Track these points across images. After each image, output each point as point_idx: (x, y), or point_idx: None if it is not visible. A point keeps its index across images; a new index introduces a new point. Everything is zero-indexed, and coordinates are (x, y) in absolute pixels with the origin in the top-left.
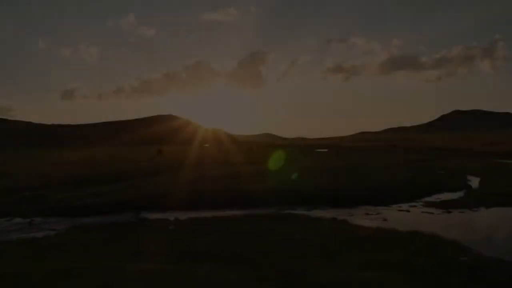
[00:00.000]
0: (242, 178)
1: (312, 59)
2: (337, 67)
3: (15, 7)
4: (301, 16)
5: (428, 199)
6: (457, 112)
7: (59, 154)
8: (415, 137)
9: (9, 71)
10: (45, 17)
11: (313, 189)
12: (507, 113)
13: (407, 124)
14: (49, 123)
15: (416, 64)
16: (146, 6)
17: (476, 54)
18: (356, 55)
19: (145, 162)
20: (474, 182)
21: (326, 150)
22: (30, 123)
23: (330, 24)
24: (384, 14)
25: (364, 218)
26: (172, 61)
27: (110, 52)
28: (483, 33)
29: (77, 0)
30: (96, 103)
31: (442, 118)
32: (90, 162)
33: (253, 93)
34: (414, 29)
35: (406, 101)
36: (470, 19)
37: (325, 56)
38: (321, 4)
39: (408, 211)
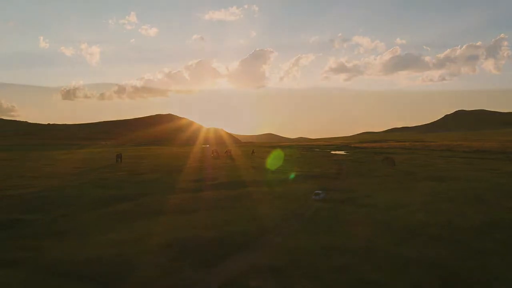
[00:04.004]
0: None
1: (315, 59)
2: (340, 67)
3: (16, 7)
4: (304, 16)
5: None
6: (461, 112)
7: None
8: (429, 136)
9: (10, 71)
10: (46, 16)
11: None
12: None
13: (410, 124)
14: (46, 122)
15: (419, 64)
16: (148, 5)
17: (480, 54)
18: (359, 54)
19: (70, 176)
20: None
21: (343, 152)
22: (28, 122)
23: (333, 23)
24: (388, 13)
25: None
26: (174, 60)
27: (111, 52)
28: (486, 33)
29: None
30: (97, 103)
31: (446, 118)
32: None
33: (255, 93)
34: (418, 28)
35: (409, 101)
36: (473, 19)
37: (328, 56)
38: (324, 4)
39: None
